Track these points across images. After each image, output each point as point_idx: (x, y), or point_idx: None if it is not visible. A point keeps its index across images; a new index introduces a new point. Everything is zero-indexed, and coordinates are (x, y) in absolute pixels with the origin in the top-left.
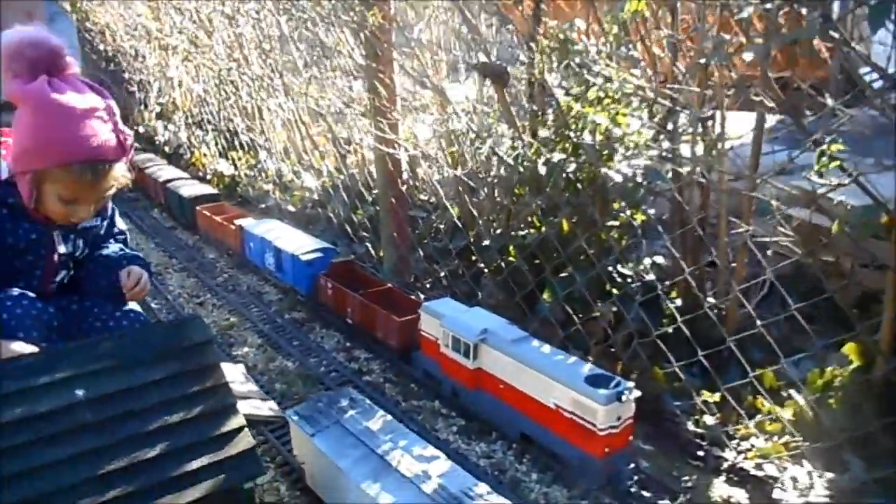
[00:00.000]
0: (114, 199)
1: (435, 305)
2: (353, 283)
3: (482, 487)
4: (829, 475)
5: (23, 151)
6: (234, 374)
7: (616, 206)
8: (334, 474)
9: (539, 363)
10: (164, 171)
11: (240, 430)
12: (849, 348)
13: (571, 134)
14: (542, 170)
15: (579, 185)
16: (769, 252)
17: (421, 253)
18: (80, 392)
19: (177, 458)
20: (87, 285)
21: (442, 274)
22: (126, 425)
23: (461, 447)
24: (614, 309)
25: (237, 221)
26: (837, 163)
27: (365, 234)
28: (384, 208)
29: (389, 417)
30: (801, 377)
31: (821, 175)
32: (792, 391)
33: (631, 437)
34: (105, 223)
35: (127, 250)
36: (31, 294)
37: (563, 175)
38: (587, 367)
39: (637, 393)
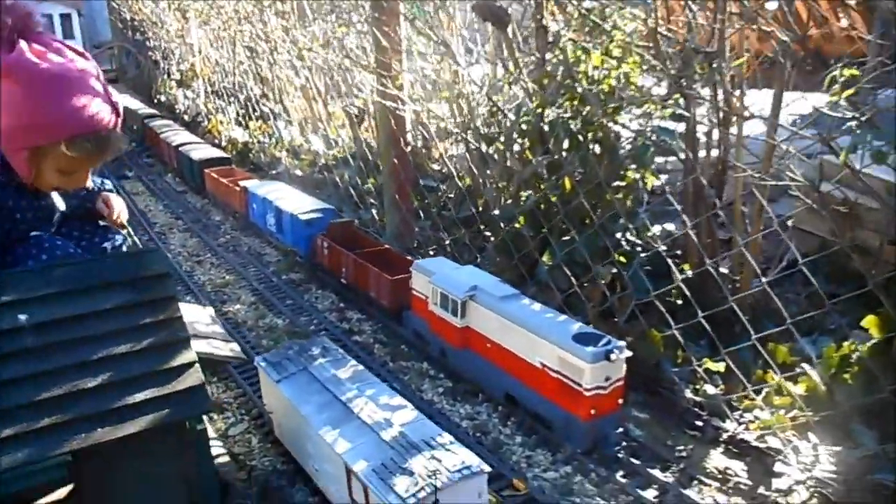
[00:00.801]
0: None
1: (426, 263)
2: (351, 245)
3: (445, 437)
4: (837, 448)
5: (17, 128)
6: (199, 315)
7: (625, 167)
8: (297, 422)
9: (526, 320)
10: (178, 135)
11: (190, 365)
12: (869, 321)
13: (577, 87)
14: (546, 128)
15: (583, 140)
16: (790, 227)
17: (428, 221)
18: (22, 317)
19: (119, 389)
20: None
21: (447, 242)
22: (69, 353)
23: (445, 408)
24: (613, 271)
25: (242, 183)
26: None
27: (372, 201)
28: (386, 169)
29: (361, 367)
30: (817, 354)
31: (855, 150)
32: (806, 366)
33: (621, 401)
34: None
35: (96, 181)
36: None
37: (568, 131)
38: (576, 326)
39: (628, 353)
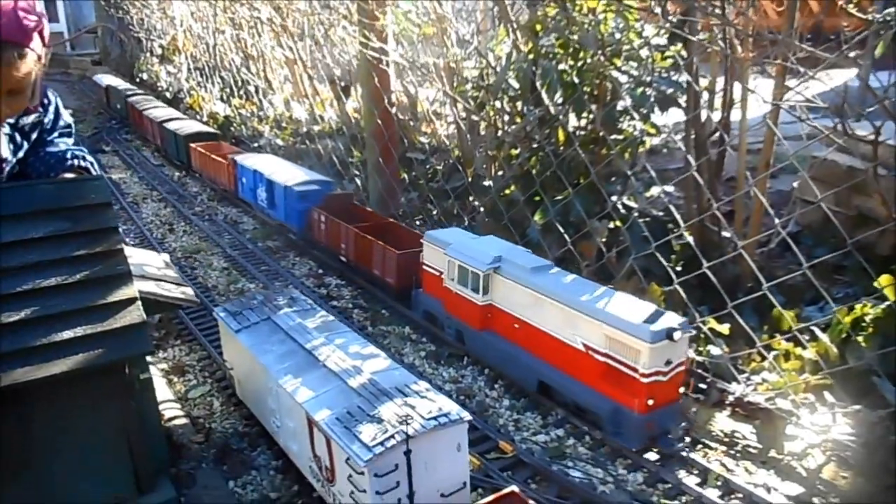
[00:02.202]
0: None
1: (440, 234)
2: (351, 219)
3: (421, 385)
4: (855, 407)
5: None
6: (150, 259)
7: (623, 119)
8: (257, 374)
9: (564, 294)
10: (161, 111)
11: (129, 302)
12: (884, 280)
13: (574, 30)
14: (538, 81)
15: (579, 90)
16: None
17: (416, 193)
18: None
19: (46, 325)
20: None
21: (435, 212)
22: None
23: (427, 371)
24: (610, 226)
25: (230, 155)
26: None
27: (356, 172)
28: (369, 130)
29: (332, 318)
30: (825, 321)
31: (859, 119)
32: (816, 329)
33: (682, 390)
34: (51, 118)
35: (72, 147)
36: None
37: (562, 81)
38: (625, 299)
39: (690, 331)
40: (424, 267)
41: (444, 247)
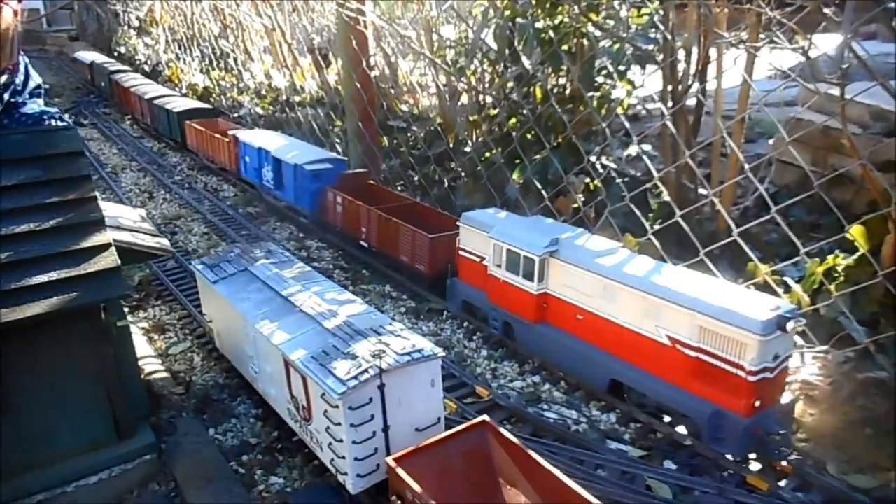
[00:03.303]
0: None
1: (479, 215)
2: (369, 200)
3: (396, 326)
4: (823, 348)
5: None
6: (126, 212)
7: (600, 75)
8: (234, 322)
9: (643, 280)
10: (150, 88)
11: (104, 247)
12: (856, 231)
13: None
14: (516, 40)
15: (557, 48)
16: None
17: (398, 160)
18: None
19: (21, 270)
20: None
21: (416, 178)
22: None
23: (407, 325)
24: (587, 181)
25: (231, 132)
26: None
27: (337, 140)
28: (348, 93)
29: (309, 269)
30: (799, 275)
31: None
32: (789, 280)
33: (787, 389)
34: (21, 78)
35: (46, 108)
36: None
37: (540, 39)
38: (721, 284)
39: (802, 319)
40: (462, 253)
41: (488, 229)
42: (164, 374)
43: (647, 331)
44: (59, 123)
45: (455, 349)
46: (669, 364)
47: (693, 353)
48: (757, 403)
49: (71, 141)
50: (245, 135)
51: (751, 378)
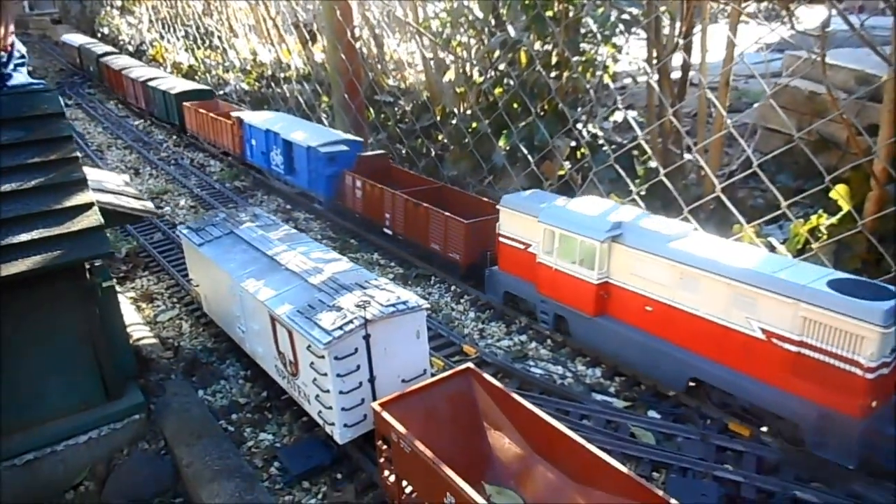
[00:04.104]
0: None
1: (521, 198)
2: (393, 183)
3: (382, 280)
4: None
5: None
6: (110, 177)
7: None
8: (220, 283)
9: (731, 266)
10: (142, 70)
11: (86, 207)
12: (839, 190)
13: None
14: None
15: (541, 8)
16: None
17: (385, 134)
18: None
19: (4, 229)
20: None
21: (404, 151)
22: None
23: None
24: (572, 144)
25: (234, 114)
26: None
27: (324, 114)
28: (332, 66)
29: (295, 230)
30: (784, 238)
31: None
32: (773, 240)
33: None
34: (5, 53)
35: (32, 80)
36: None
37: (523, 2)
38: (819, 270)
39: None
40: (503, 239)
41: (535, 213)
42: (153, 340)
43: (735, 323)
44: (39, 87)
45: (443, 312)
46: (763, 360)
47: (794, 348)
48: (873, 403)
49: (52, 102)
50: (251, 116)
51: (868, 375)
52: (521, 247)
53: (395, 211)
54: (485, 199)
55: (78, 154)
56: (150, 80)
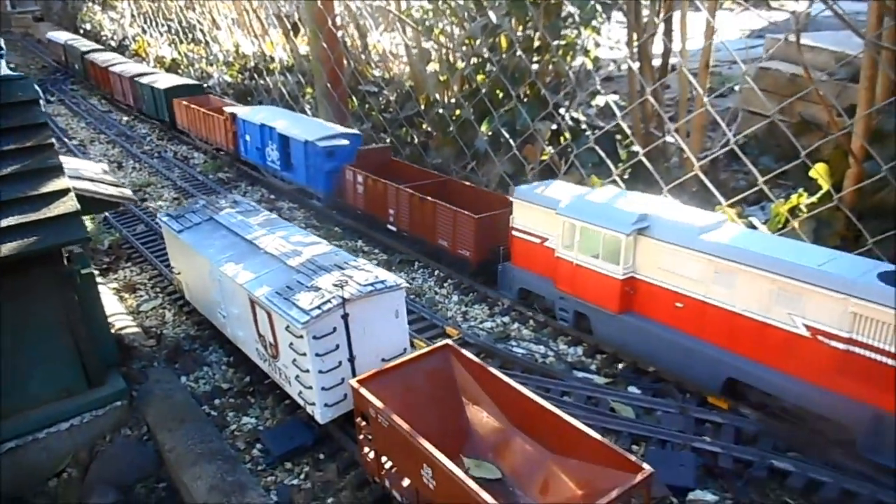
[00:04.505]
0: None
1: (537, 189)
2: (396, 178)
3: (361, 261)
4: None
5: None
6: (88, 165)
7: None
8: (200, 268)
9: (771, 259)
10: (129, 66)
11: (63, 192)
12: (818, 169)
13: None
14: None
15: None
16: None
17: (369, 124)
18: None
19: None
20: None
21: (388, 140)
22: None
23: None
24: (553, 127)
25: (227, 109)
26: None
27: (308, 105)
28: (315, 54)
29: (275, 216)
30: (766, 218)
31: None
32: (754, 219)
33: None
34: None
35: (10, 72)
36: None
37: None
38: (862, 263)
39: None
40: (517, 234)
41: (553, 205)
42: (136, 329)
43: (776, 320)
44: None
45: (426, 296)
46: (808, 359)
47: (842, 346)
48: None
49: (26, 89)
50: (244, 111)
51: None
52: (537, 241)
53: (400, 206)
54: (494, 192)
55: (53, 141)
56: (138, 75)
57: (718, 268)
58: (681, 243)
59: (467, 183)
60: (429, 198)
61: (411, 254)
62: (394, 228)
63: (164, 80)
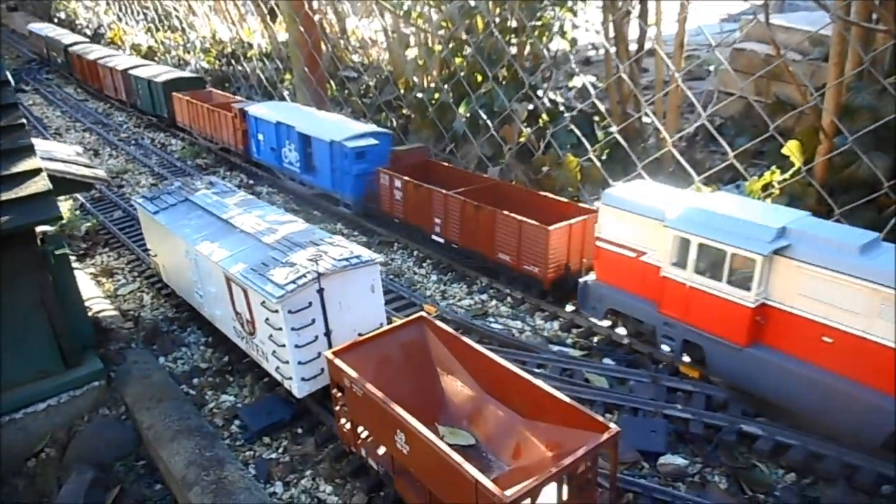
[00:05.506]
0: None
1: (631, 193)
2: (435, 181)
3: (336, 238)
4: None
5: None
6: (61, 148)
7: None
8: (176, 248)
9: None
10: (120, 58)
11: (34, 172)
12: (791, 146)
13: None
14: None
15: None
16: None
17: (349, 109)
18: None
19: None
20: None
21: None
22: None
23: None
24: (530, 107)
25: (236, 105)
26: None
27: (286, 91)
28: (292, 38)
29: (251, 196)
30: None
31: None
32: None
33: None
34: None
35: None
36: None
37: None
38: None
39: None
40: (604, 245)
41: (657, 214)
42: (113, 312)
43: None
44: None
45: (405, 276)
46: None
47: None
48: None
49: None
50: (256, 108)
51: None
52: (632, 254)
53: (448, 215)
54: (553, 197)
55: (24, 121)
56: (132, 68)
57: (886, 300)
58: (833, 267)
59: (522, 187)
60: (485, 206)
61: (467, 270)
62: (440, 240)
63: (161, 73)
